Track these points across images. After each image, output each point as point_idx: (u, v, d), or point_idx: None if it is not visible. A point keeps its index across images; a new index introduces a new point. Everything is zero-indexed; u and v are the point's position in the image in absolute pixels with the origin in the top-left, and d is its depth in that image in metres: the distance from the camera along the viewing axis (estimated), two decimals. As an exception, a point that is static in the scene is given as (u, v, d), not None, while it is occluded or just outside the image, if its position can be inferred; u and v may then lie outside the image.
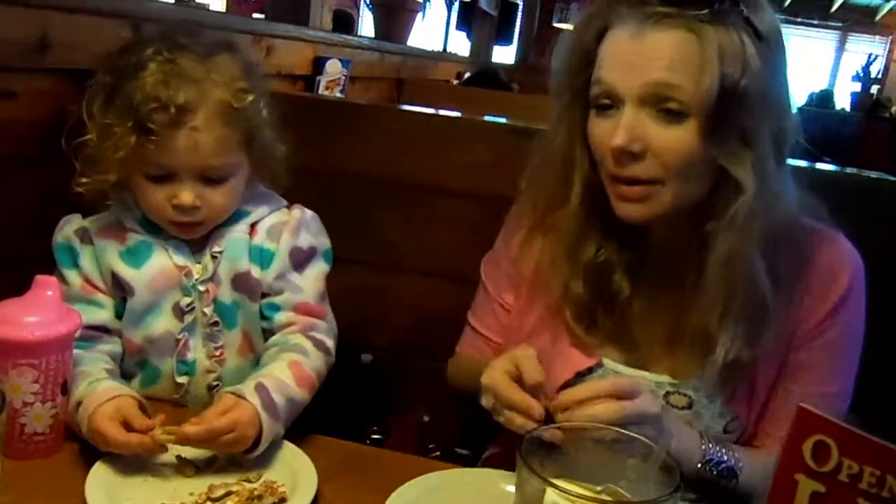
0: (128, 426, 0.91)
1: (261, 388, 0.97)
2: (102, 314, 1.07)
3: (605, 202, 1.00)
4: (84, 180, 1.04)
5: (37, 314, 0.92)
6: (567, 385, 1.07)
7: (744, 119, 0.91)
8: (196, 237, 1.09)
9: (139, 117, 0.99)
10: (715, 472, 0.97)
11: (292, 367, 1.03)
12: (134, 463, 0.92)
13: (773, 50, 0.93)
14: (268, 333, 1.12)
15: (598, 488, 0.77)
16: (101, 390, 0.95)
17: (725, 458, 0.98)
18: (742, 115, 0.91)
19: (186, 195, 1.03)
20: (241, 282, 1.10)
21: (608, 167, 0.96)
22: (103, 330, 1.07)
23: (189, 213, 1.04)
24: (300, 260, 1.13)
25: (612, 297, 1.06)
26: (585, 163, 1.02)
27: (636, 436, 0.81)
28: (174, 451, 0.94)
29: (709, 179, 0.95)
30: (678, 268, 1.02)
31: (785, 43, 0.96)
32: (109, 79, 1.04)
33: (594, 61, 0.97)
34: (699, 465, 0.97)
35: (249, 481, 0.93)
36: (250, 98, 1.05)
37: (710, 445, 0.98)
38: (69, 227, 1.09)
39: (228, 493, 0.90)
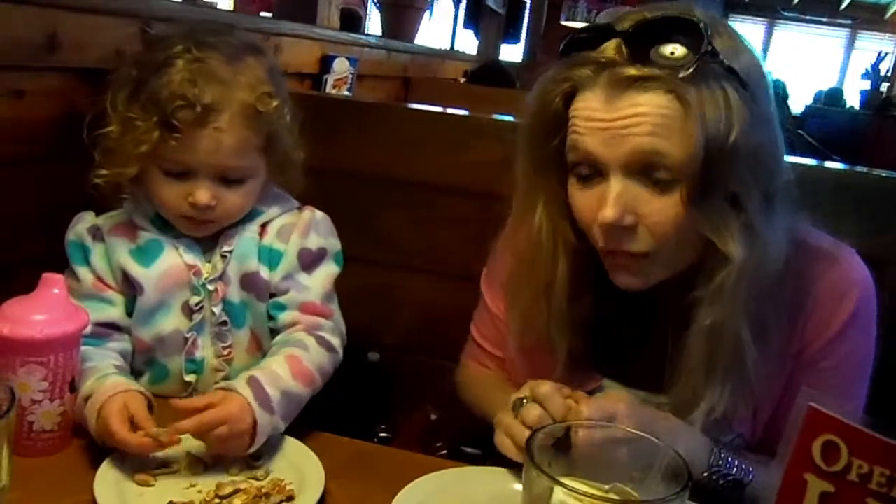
0: (133, 424, 0.91)
1: (253, 381, 0.97)
2: (113, 312, 1.07)
3: (593, 262, 0.96)
4: (103, 172, 1.05)
5: (44, 312, 0.92)
6: None
7: (732, 181, 0.85)
8: (207, 235, 1.09)
9: (164, 113, 0.99)
10: (721, 483, 0.95)
11: (289, 360, 1.03)
12: (142, 460, 0.92)
13: (757, 94, 0.87)
14: (274, 333, 1.12)
15: (606, 487, 0.77)
16: (108, 385, 0.95)
17: (734, 470, 0.94)
18: (730, 176, 0.85)
19: (202, 194, 1.03)
20: (249, 282, 1.10)
21: (596, 240, 0.91)
22: (114, 327, 1.07)
23: (203, 211, 1.04)
24: (309, 261, 1.13)
25: (607, 343, 1.03)
26: (570, 234, 0.96)
27: (644, 435, 0.80)
28: (183, 448, 0.94)
29: (701, 243, 0.90)
30: (670, 321, 0.96)
31: (767, 76, 0.90)
32: (136, 72, 1.04)
33: (564, 124, 0.91)
34: (703, 475, 0.94)
35: (257, 479, 0.93)
36: (275, 103, 1.05)
37: (721, 454, 0.95)
38: (81, 225, 1.09)
39: (236, 491, 0.90)
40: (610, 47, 0.86)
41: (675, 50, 0.83)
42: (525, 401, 0.91)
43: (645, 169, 0.86)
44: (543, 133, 0.94)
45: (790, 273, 0.93)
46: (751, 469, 0.95)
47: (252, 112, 1.03)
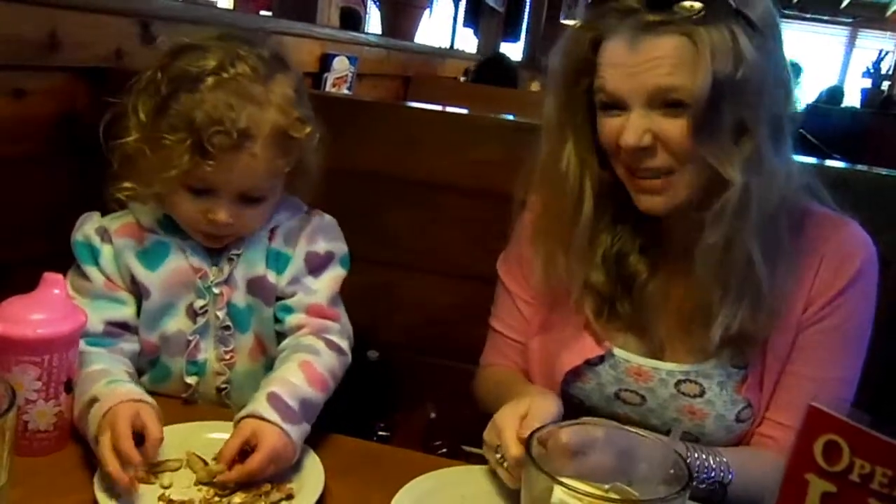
0: (138, 438, 0.89)
1: (273, 398, 0.95)
2: (125, 311, 1.06)
3: (617, 193, 1.03)
4: (126, 186, 1.03)
5: (41, 312, 0.91)
6: (576, 371, 1.08)
7: (740, 110, 0.93)
8: (219, 246, 1.09)
9: (199, 138, 0.96)
10: (703, 486, 0.96)
11: (303, 367, 1.02)
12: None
13: (768, 37, 0.95)
14: (280, 336, 1.11)
15: (606, 486, 0.77)
16: (122, 391, 0.93)
17: (713, 472, 0.97)
18: (738, 107, 0.93)
19: (223, 213, 1.02)
20: (256, 286, 1.09)
21: (623, 160, 0.99)
22: (125, 327, 1.06)
23: (223, 228, 1.04)
24: (316, 265, 1.13)
25: (629, 281, 1.08)
26: (595, 166, 1.04)
27: (645, 435, 0.80)
28: (184, 447, 0.94)
29: (712, 169, 0.96)
30: (689, 249, 1.03)
31: (780, 26, 0.98)
32: (164, 81, 1.00)
33: (592, 68, 0.99)
34: None
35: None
36: (307, 130, 1.04)
37: (696, 455, 0.97)
38: (89, 226, 1.08)
39: (236, 490, 0.90)
40: None
41: (694, 4, 0.93)
42: (497, 449, 0.91)
43: (662, 102, 0.95)
44: (573, 77, 1.03)
45: (797, 227, 1.01)
46: (730, 469, 0.97)
47: (284, 137, 1.01)
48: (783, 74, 0.98)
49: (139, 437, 0.88)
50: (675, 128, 0.94)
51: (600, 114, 1.00)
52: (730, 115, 0.93)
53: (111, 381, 0.95)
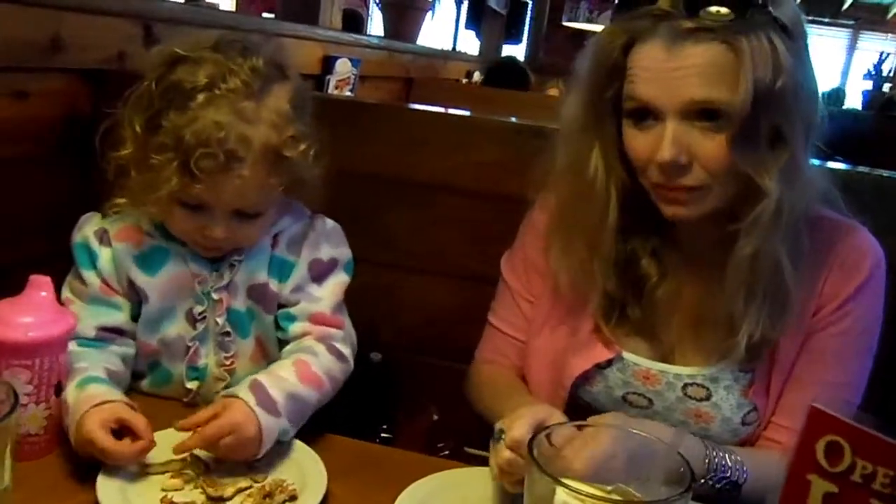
0: (122, 431, 0.90)
1: (255, 385, 0.96)
2: (119, 316, 1.06)
3: (637, 201, 1.02)
4: (120, 202, 1.04)
5: (30, 315, 0.91)
6: (585, 375, 1.08)
7: (778, 119, 0.91)
8: (219, 255, 1.08)
9: (186, 159, 0.94)
10: (718, 486, 0.96)
11: (296, 365, 1.03)
12: (145, 460, 0.92)
13: (800, 42, 0.93)
14: (283, 344, 1.11)
15: (609, 488, 0.77)
16: (86, 396, 0.93)
17: (728, 472, 0.96)
18: (776, 115, 0.91)
19: (219, 231, 1.01)
20: (257, 292, 1.09)
21: (653, 178, 0.96)
22: (118, 332, 1.06)
23: (220, 242, 1.03)
24: (320, 272, 1.12)
25: (639, 284, 1.07)
26: (622, 172, 1.02)
27: (647, 435, 0.80)
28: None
29: (747, 178, 0.95)
30: (703, 253, 1.03)
31: (807, 30, 0.96)
32: (157, 94, 0.98)
33: (622, 74, 0.96)
34: (701, 480, 0.94)
35: (259, 480, 0.93)
36: (301, 147, 1.01)
37: (714, 454, 0.97)
38: (88, 228, 1.08)
39: (239, 491, 0.90)
40: (665, 1, 0.92)
41: (721, 9, 0.90)
42: (503, 433, 0.90)
43: (698, 113, 0.92)
44: (602, 82, 0.99)
45: (812, 233, 0.99)
46: (745, 468, 0.97)
47: (276, 156, 0.99)
48: (813, 80, 0.96)
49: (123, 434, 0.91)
50: (712, 144, 0.92)
51: (629, 124, 0.97)
52: (767, 125, 0.91)
53: (81, 383, 0.95)
